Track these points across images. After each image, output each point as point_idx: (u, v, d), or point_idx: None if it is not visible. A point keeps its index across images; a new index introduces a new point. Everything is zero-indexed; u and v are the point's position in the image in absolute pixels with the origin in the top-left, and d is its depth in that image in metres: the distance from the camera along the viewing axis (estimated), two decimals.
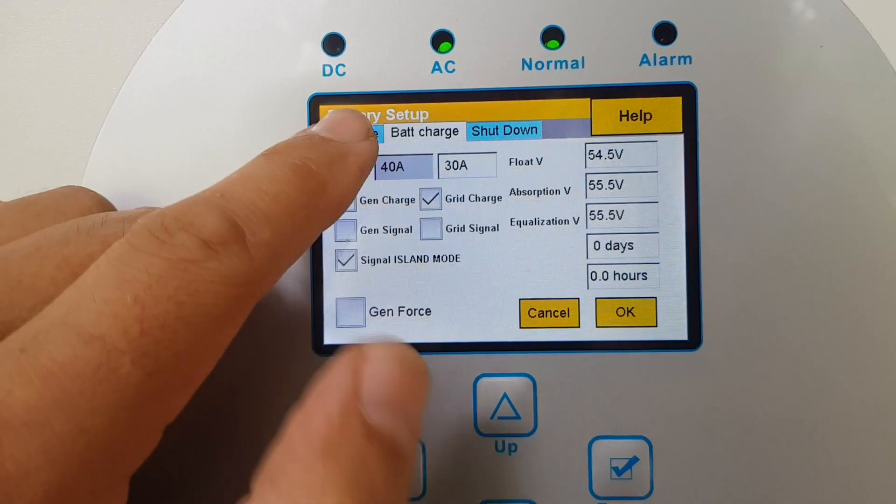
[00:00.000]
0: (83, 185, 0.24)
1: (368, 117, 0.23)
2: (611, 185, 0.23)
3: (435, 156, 0.23)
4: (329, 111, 0.22)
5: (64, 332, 0.15)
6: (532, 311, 0.23)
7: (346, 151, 0.20)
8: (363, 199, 0.23)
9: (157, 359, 0.15)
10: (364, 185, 0.23)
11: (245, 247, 0.17)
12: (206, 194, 0.18)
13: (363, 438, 0.15)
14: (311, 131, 0.20)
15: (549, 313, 0.23)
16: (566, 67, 0.23)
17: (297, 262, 0.23)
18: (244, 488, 0.22)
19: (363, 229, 0.23)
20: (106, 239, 0.18)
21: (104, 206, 0.22)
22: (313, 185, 0.19)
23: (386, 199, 0.23)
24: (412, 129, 0.23)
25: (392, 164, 0.23)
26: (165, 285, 0.15)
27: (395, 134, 0.23)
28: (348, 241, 0.23)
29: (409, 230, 0.23)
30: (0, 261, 0.17)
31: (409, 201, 0.23)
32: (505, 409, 0.23)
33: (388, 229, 0.23)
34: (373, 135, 0.21)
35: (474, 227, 0.23)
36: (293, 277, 0.23)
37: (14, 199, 0.21)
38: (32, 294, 0.16)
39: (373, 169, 0.22)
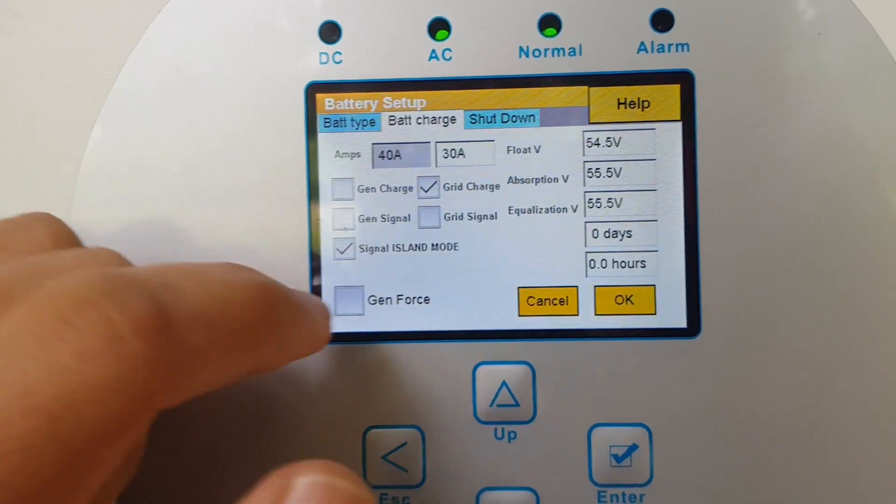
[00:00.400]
0: (79, 181, 0.24)
1: (366, 105, 0.23)
2: (609, 173, 0.23)
3: (433, 144, 0.23)
4: None
5: None
6: (531, 299, 0.23)
7: (308, 308, 0.19)
8: (361, 187, 0.23)
9: (13, 488, 0.12)
10: (362, 173, 0.23)
11: (169, 343, 0.14)
12: (145, 272, 0.15)
13: None
14: None
15: (547, 301, 0.23)
16: (564, 55, 0.23)
17: (295, 250, 0.23)
18: (238, 481, 0.22)
19: (361, 217, 0.23)
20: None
21: (60, 238, 0.19)
22: (269, 312, 0.17)
23: (384, 188, 0.23)
24: (410, 118, 0.23)
25: (389, 153, 0.23)
26: (42, 393, 0.13)
27: (392, 122, 0.23)
28: (346, 229, 0.23)
29: (407, 218, 0.23)
30: None
31: (406, 189, 0.23)
32: (504, 397, 0.23)
33: (385, 217, 0.23)
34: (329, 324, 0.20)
35: (472, 216, 0.23)
36: (291, 265, 0.23)
37: None
38: None
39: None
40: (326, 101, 0.23)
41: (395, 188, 0.23)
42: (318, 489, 0.13)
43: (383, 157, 0.23)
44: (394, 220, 0.23)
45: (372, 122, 0.23)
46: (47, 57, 0.24)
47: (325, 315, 0.20)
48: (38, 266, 0.16)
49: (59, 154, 0.24)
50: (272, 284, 0.17)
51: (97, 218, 0.24)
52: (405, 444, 0.23)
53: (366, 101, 0.23)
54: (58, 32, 0.24)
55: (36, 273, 0.15)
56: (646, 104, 0.23)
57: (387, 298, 0.23)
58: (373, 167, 0.23)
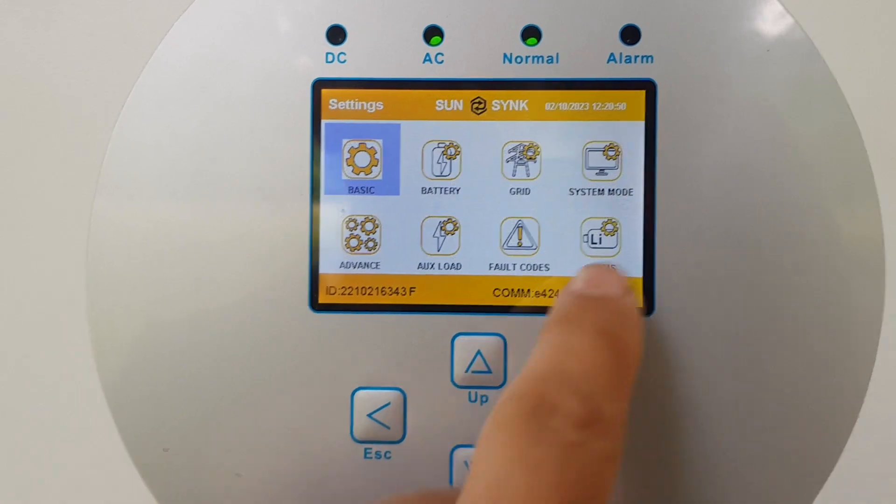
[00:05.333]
0: (104, 164, 0.27)
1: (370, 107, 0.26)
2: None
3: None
4: (584, 267, 0.23)
5: None
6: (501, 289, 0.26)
7: (624, 308, 0.21)
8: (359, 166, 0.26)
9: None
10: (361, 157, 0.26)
11: (606, 424, 0.18)
12: (544, 373, 0.19)
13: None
14: (578, 290, 0.22)
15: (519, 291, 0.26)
16: (542, 62, 0.26)
17: (297, 224, 0.26)
18: (242, 446, 0.25)
19: (351, 188, 0.26)
20: None
21: None
22: (620, 347, 0.20)
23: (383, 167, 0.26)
24: None
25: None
26: (571, 471, 0.16)
27: None
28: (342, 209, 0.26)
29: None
30: None
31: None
32: (478, 364, 0.26)
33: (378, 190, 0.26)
34: (631, 288, 0.22)
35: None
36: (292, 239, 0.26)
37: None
38: None
39: None
40: (331, 99, 0.26)
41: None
42: None
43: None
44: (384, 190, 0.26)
45: None
46: (71, 45, 0.27)
47: (625, 288, 0.22)
48: None
49: (83, 146, 0.27)
50: (601, 320, 0.20)
51: (120, 206, 0.26)
52: (388, 404, 0.26)
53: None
54: (86, 33, 0.27)
55: None
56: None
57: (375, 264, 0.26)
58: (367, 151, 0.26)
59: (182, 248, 0.26)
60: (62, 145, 0.27)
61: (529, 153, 0.26)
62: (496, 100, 0.26)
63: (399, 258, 0.26)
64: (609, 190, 0.26)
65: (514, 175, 0.26)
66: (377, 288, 0.26)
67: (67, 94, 0.27)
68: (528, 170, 0.26)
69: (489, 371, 0.26)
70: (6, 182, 0.28)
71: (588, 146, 0.26)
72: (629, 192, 0.26)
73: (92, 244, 0.26)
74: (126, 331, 0.26)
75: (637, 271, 0.25)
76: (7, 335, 0.27)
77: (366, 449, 0.26)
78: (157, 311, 0.26)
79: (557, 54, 0.26)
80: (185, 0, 0.27)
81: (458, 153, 0.26)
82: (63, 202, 0.27)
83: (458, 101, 0.26)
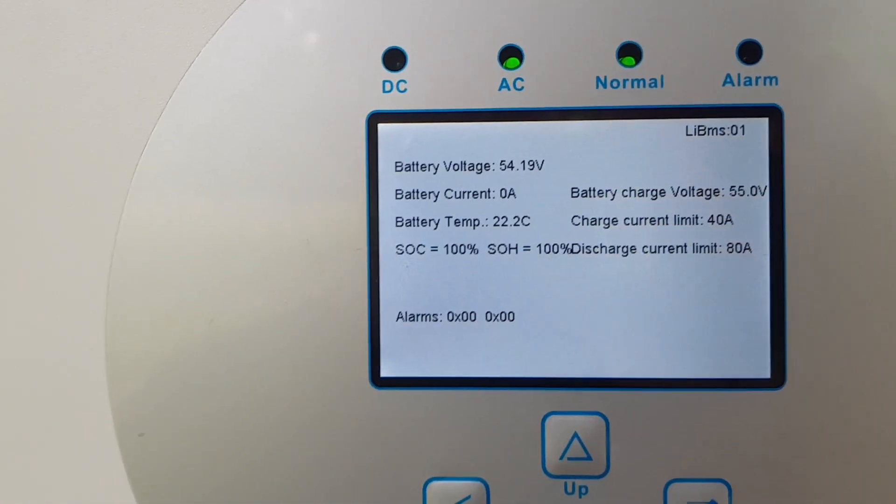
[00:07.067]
0: (130, 192, 0.22)
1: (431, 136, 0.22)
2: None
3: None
4: None
5: None
6: None
7: None
8: (421, 220, 0.22)
9: None
10: (423, 207, 0.22)
11: None
12: None
13: None
14: None
15: None
16: (644, 86, 0.22)
17: (353, 286, 0.22)
18: None
19: (421, 249, 0.22)
20: None
21: None
22: None
23: (449, 220, 0.22)
24: None
25: (454, 193, 0.22)
26: None
27: None
28: (408, 254, 0.22)
29: (474, 250, 0.22)
30: None
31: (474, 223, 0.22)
32: (575, 450, 0.22)
33: (450, 248, 0.22)
34: None
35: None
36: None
37: None
38: None
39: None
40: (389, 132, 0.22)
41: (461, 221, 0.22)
42: None
43: (449, 196, 0.22)
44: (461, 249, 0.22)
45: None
46: (101, 68, 0.23)
47: None
48: None
49: (109, 162, 0.23)
50: None
51: (150, 213, 0.22)
52: (469, 497, 0.22)
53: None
54: (110, 44, 0.23)
55: None
56: None
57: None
58: (435, 202, 0.22)
59: (215, 336, 0.22)
60: (89, 173, 0.23)
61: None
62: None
63: None
64: (728, 245, 0.21)
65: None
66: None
67: (105, 96, 0.23)
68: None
69: (588, 458, 0.22)
70: (38, 182, 0.24)
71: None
72: (748, 246, 0.21)
73: (117, 254, 0.22)
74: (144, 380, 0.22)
75: (763, 340, 0.21)
76: (18, 336, 0.24)
77: None
78: (181, 356, 0.22)
79: (662, 77, 0.22)
80: (225, 12, 0.22)
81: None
82: (92, 211, 0.23)
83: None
